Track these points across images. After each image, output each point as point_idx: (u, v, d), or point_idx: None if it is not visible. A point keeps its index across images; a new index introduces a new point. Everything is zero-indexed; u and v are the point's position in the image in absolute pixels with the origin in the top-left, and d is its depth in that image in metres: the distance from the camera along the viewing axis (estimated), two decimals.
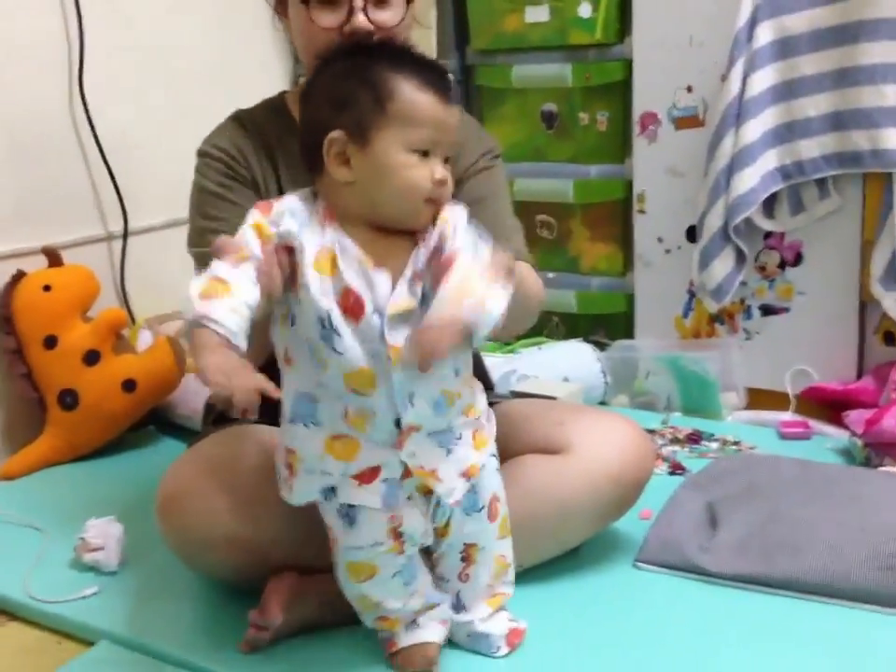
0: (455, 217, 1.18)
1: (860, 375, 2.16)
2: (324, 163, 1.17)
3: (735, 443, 2.00)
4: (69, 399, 2.05)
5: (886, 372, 2.05)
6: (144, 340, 2.23)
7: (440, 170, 1.16)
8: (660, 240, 2.39)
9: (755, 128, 2.09)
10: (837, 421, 2.03)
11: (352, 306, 1.12)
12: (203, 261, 1.41)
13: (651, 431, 2.02)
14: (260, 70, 2.60)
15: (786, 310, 2.24)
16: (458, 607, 1.32)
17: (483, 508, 1.27)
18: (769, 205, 2.17)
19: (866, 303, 2.15)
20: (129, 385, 2.06)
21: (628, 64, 2.39)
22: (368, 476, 1.18)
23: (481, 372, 1.69)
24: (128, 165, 2.30)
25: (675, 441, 2.02)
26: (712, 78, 2.22)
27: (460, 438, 1.22)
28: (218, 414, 1.60)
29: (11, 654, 1.42)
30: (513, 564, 1.34)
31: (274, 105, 1.54)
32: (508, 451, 1.46)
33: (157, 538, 1.43)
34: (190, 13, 2.45)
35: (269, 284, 1.10)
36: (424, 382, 1.15)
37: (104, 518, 1.63)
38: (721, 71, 2.16)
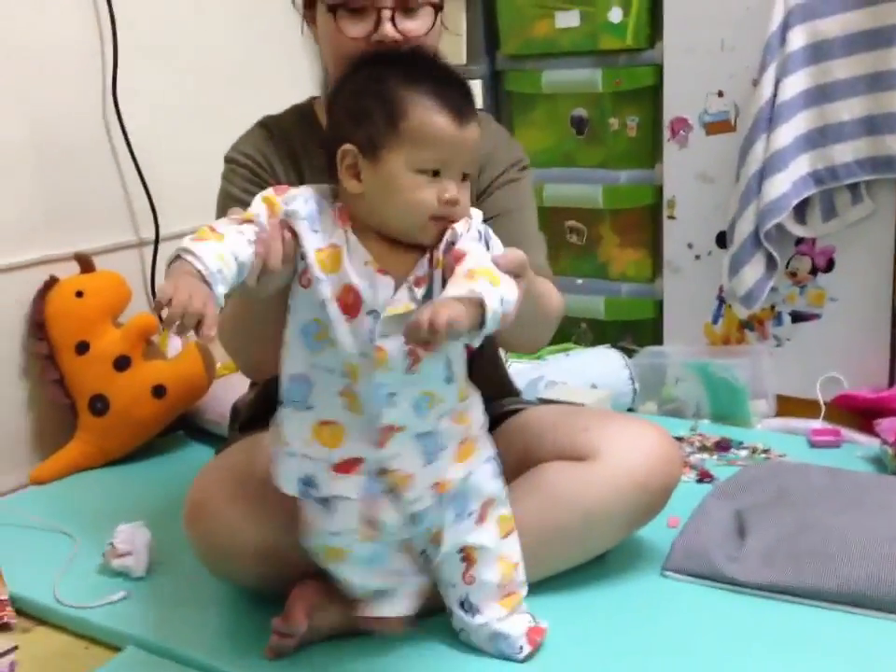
0: (466, 222, 1.18)
1: (892, 383, 2.14)
2: (335, 173, 1.19)
3: (765, 451, 1.98)
4: (100, 405, 2.06)
5: None
6: (173, 346, 2.25)
7: (451, 189, 1.16)
8: (690, 246, 2.37)
9: (787, 133, 2.08)
10: (868, 429, 2.00)
11: (350, 303, 1.14)
12: None
13: (680, 439, 2.01)
14: (292, 76, 2.61)
15: (817, 316, 2.22)
16: (471, 610, 1.32)
17: (472, 512, 1.28)
18: (801, 211, 2.15)
19: None
20: (159, 391, 2.08)
21: (659, 69, 2.38)
22: (348, 467, 1.20)
23: (502, 378, 1.70)
24: (160, 172, 2.32)
25: (703, 448, 2.01)
26: (743, 83, 2.21)
27: (444, 448, 1.22)
28: (245, 421, 1.61)
29: (39, 659, 1.43)
30: (521, 563, 1.33)
31: (302, 112, 1.55)
32: (533, 457, 1.46)
33: (185, 543, 1.44)
34: (223, 21, 2.47)
35: (267, 252, 1.11)
36: (405, 382, 1.17)
37: (132, 523, 1.64)
38: (753, 75, 2.14)
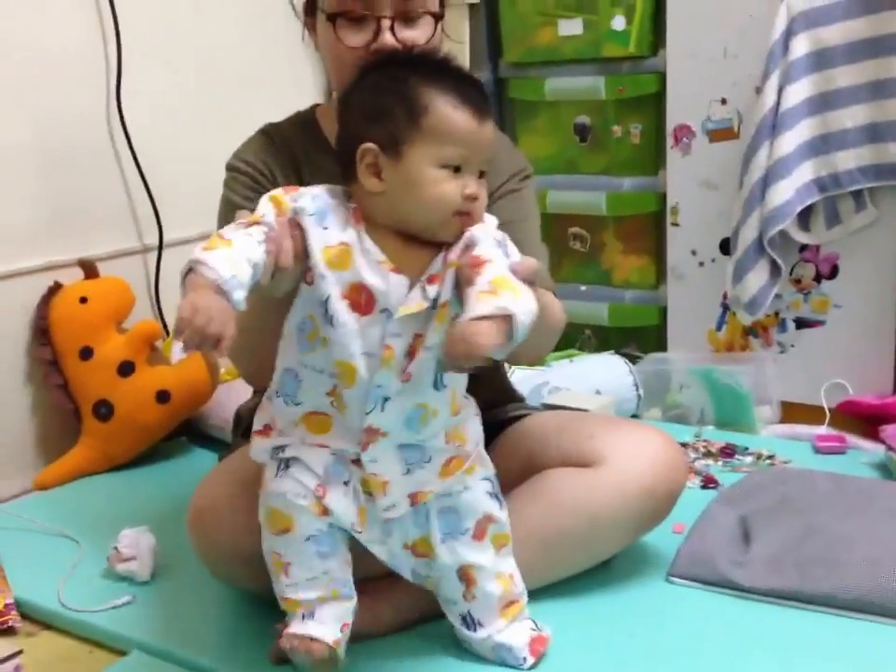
0: (484, 226, 1.18)
1: None
2: (356, 172, 1.18)
3: (770, 457, 1.98)
4: (104, 410, 2.07)
5: None
6: (177, 351, 2.25)
7: (472, 185, 1.17)
8: (693, 252, 2.38)
9: (790, 140, 2.08)
10: (873, 435, 2.00)
11: (362, 301, 1.14)
12: None
13: (684, 444, 2.01)
14: (296, 81, 2.62)
15: (821, 323, 2.22)
16: (473, 624, 1.31)
17: (467, 531, 1.27)
18: (804, 218, 2.16)
19: None
20: (162, 397, 2.08)
21: (662, 77, 2.39)
22: (323, 445, 1.21)
23: (504, 384, 1.70)
24: (163, 177, 2.32)
25: (708, 454, 2.01)
26: (747, 91, 2.22)
27: (429, 461, 1.22)
28: (248, 427, 1.60)
29: (43, 663, 1.42)
30: (516, 574, 1.33)
31: (304, 120, 1.55)
32: (538, 463, 1.46)
33: (189, 548, 1.43)
34: (227, 26, 2.48)
35: (277, 250, 1.11)
36: (401, 389, 1.17)
37: (137, 528, 1.64)
38: (756, 83, 2.15)
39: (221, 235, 1.11)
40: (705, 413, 2.21)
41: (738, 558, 1.52)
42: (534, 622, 1.34)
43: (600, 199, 2.52)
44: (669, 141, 2.37)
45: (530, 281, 1.12)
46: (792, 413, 2.21)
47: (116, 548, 1.60)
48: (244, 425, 1.61)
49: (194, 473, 1.53)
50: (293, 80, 2.61)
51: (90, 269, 2.14)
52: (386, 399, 1.17)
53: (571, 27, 2.50)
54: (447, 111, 1.15)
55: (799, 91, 2.08)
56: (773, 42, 2.08)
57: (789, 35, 2.07)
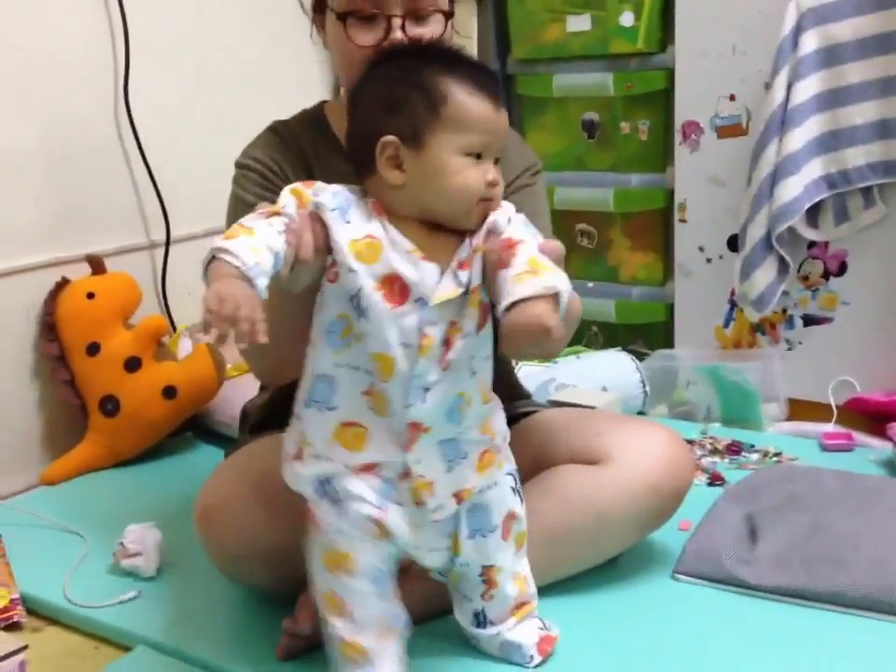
0: (504, 210, 1.18)
1: None
2: (374, 166, 1.17)
3: (777, 455, 1.97)
4: (110, 406, 2.07)
5: None
6: (184, 347, 2.25)
7: (492, 171, 1.17)
8: (701, 249, 2.37)
9: (799, 136, 2.07)
10: (881, 433, 2.00)
11: (395, 292, 1.12)
12: None
13: (691, 442, 2.00)
14: (303, 80, 2.62)
15: (829, 320, 2.21)
16: (484, 622, 1.31)
17: (496, 528, 1.26)
18: (813, 214, 2.15)
19: None
20: (169, 392, 2.08)
21: (670, 73, 2.38)
22: (367, 468, 1.17)
23: (512, 381, 1.69)
24: (170, 174, 2.32)
25: (714, 451, 2.00)
26: (755, 87, 2.21)
27: (465, 457, 1.20)
28: (255, 423, 1.61)
29: (49, 658, 1.43)
30: (530, 575, 1.32)
31: (313, 117, 1.54)
32: (545, 460, 1.46)
33: (195, 544, 1.43)
34: (234, 24, 2.48)
35: (298, 242, 1.10)
36: (440, 378, 1.15)
37: (143, 524, 1.64)
38: (765, 79, 2.14)
39: (242, 224, 1.10)
40: (711, 410, 2.21)
41: (745, 556, 1.52)
42: (542, 621, 1.35)
43: (608, 195, 2.51)
44: (677, 137, 2.36)
45: (557, 262, 1.12)
46: (800, 410, 2.21)
47: (122, 543, 1.60)
48: (250, 422, 1.62)
49: (200, 469, 1.54)
50: (299, 78, 2.61)
51: (97, 265, 2.14)
52: (427, 390, 1.15)
53: (579, 23, 2.49)
54: (465, 99, 1.15)
55: (808, 88, 2.07)
56: (782, 38, 2.07)
57: (798, 31, 2.06)
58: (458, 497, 1.21)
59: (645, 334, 2.59)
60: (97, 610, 1.50)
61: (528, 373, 2.11)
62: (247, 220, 1.11)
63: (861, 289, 2.17)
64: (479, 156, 1.16)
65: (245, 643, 1.41)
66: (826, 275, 2.21)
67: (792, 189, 2.08)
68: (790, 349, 2.28)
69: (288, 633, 1.34)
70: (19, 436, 2.07)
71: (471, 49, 2.62)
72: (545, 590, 1.39)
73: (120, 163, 2.27)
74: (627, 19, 2.41)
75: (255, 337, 1.02)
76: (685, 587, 1.50)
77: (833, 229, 2.15)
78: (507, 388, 1.64)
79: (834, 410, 2.14)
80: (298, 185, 1.17)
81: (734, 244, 2.28)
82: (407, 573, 1.30)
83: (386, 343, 1.13)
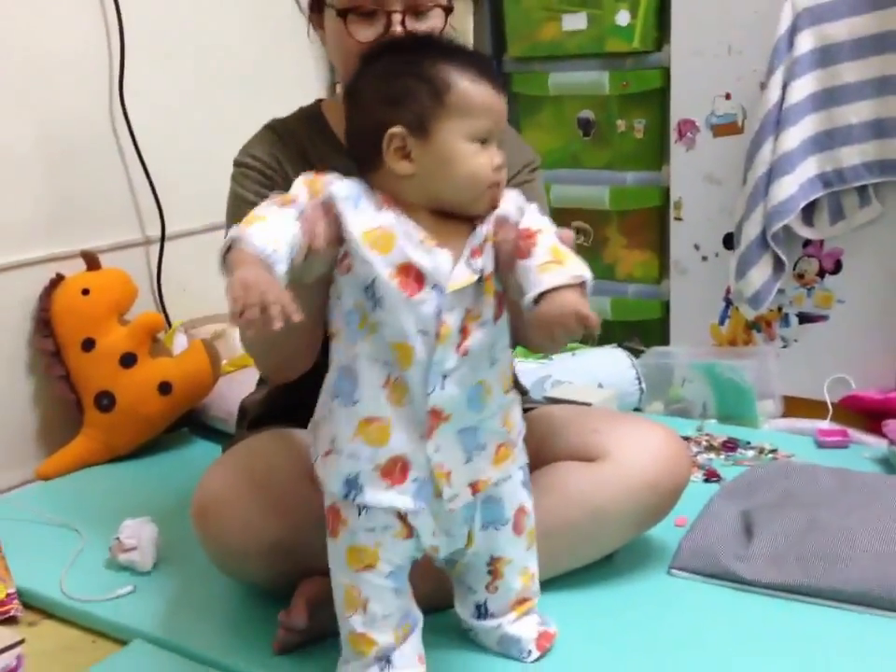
0: (516, 198, 1.19)
1: None
2: (379, 159, 1.16)
3: (772, 451, 1.97)
4: (106, 401, 2.06)
5: None
6: (179, 343, 2.25)
7: (497, 156, 1.17)
8: (696, 247, 2.37)
9: (795, 135, 2.08)
10: (876, 430, 2.00)
11: (411, 280, 1.12)
12: None
13: (687, 438, 2.00)
14: (298, 77, 2.62)
15: (824, 318, 2.22)
16: (485, 615, 1.31)
17: (508, 521, 1.26)
18: (808, 213, 2.15)
19: None
20: (164, 388, 2.08)
21: (666, 72, 2.38)
22: (397, 475, 1.16)
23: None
24: (166, 171, 2.32)
25: (710, 448, 2.01)
26: (751, 86, 2.21)
27: (483, 449, 1.20)
28: (253, 418, 1.60)
29: (46, 652, 1.43)
30: (537, 573, 1.33)
31: (310, 114, 1.54)
32: (542, 457, 1.46)
33: (191, 538, 1.43)
34: (230, 21, 2.48)
35: (311, 232, 1.10)
36: (459, 364, 1.14)
37: (139, 519, 1.64)
38: (760, 78, 2.15)
39: (256, 214, 1.10)
40: (707, 408, 2.21)
41: (740, 552, 1.52)
42: (541, 616, 1.35)
43: (603, 193, 2.52)
44: (673, 136, 2.36)
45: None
46: (795, 407, 2.21)
47: (118, 538, 1.60)
48: (248, 417, 1.61)
49: (196, 465, 1.54)
50: (296, 76, 2.61)
51: (92, 261, 2.14)
52: (445, 377, 1.14)
53: (575, 22, 2.50)
54: (468, 85, 1.15)
55: (804, 87, 2.07)
56: (778, 38, 2.08)
57: (794, 30, 2.07)
58: (474, 487, 1.20)
59: (641, 331, 2.59)
60: (93, 605, 1.50)
61: (524, 370, 2.11)
62: (261, 209, 1.11)
63: (857, 287, 2.17)
64: (483, 142, 1.16)
65: (241, 637, 1.40)
66: (821, 273, 2.21)
67: (788, 187, 2.08)
68: (785, 347, 2.29)
69: (283, 626, 1.34)
70: (14, 431, 2.07)
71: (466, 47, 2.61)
72: (542, 585, 1.38)
73: (116, 160, 2.27)
74: (623, 17, 2.41)
75: (289, 317, 1.01)
76: (681, 583, 1.50)
77: (828, 227, 2.16)
78: None
79: (830, 407, 2.14)
80: (310, 175, 1.17)
81: (729, 242, 2.29)
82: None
83: (404, 332, 1.13)
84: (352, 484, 1.17)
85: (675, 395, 2.27)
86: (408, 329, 1.12)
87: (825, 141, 2.09)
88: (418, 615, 1.25)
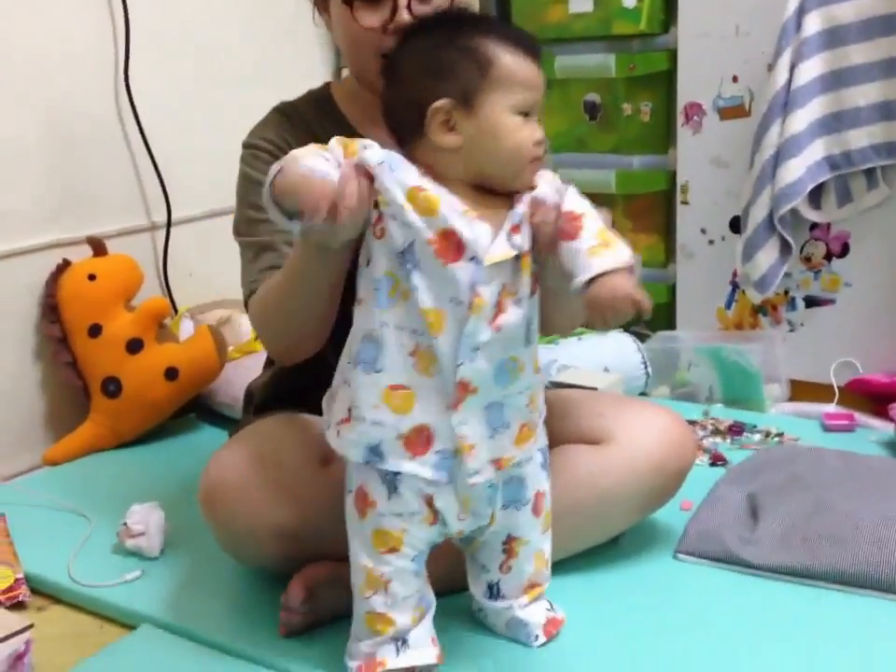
0: (552, 180, 1.19)
1: None
2: (421, 133, 1.15)
3: (778, 435, 1.97)
4: (112, 387, 2.07)
5: None
6: (186, 329, 2.25)
7: (538, 131, 1.17)
8: (703, 231, 2.37)
9: (802, 118, 2.07)
10: (882, 413, 2.00)
11: (450, 248, 1.11)
12: (250, 250, 1.42)
13: (693, 422, 2.00)
14: (303, 61, 2.61)
15: (831, 301, 2.22)
16: (496, 595, 1.32)
17: (528, 501, 1.26)
18: (815, 196, 2.15)
19: None
20: (171, 374, 2.08)
21: (673, 55, 2.37)
22: (419, 445, 1.16)
23: None
24: (172, 156, 2.32)
25: (716, 432, 2.00)
26: (758, 68, 2.20)
27: (508, 427, 1.20)
28: (259, 403, 1.61)
29: (54, 637, 1.43)
30: (550, 559, 1.33)
31: (319, 97, 1.54)
32: (553, 440, 1.46)
33: (199, 523, 1.43)
34: (235, 7, 2.47)
35: (342, 190, 1.10)
36: (491, 341, 1.14)
37: (146, 504, 1.65)
38: (768, 61, 2.14)
39: (297, 152, 1.13)
40: (713, 391, 2.21)
41: (746, 535, 1.52)
42: (550, 603, 1.35)
43: (610, 177, 2.51)
44: (680, 119, 2.35)
45: None
46: (801, 391, 2.21)
47: (125, 524, 1.61)
48: (255, 401, 1.62)
49: (203, 450, 1.54)
50: (301, 60, 2.60)
51: (98, 246, 2.14)
52: (476, 350, 1.14)
53: (582, 4, 2.49)
54: (511, 58, 1.15)
55: (811, 69, 2.06)
56: (785, 19, 2.07)
57: (801, 11, 2.06)
58: (497, 464, 1.20)
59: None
60: (101, 590, 1.51)
61: None
62: (301, 151, 1.13)
63: (864, 271, 2.17)
64: (525, 115, 1.16)
65: (248, 622, 1.41)
66: (828, 257, 2.21)
67: (795, 170, 2.08)
68: (791, 330, 2.28)
69: (282, 606, 1.35)
70: (22, 417, 2.08)
71: None
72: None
73: (121, 146, 2.27)
74: (630, 0, 2.40)
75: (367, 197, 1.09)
76: (687, 566, 1.51)
77: (835, 210, 2.15)
78: None
79: (836, 391, 2.14)
80: (344, 139, 1.17)
81: (736, 225, 2.28)
82: None
83: (438, 298, 1.12)
84: (374, 451, 1.17)
85: (681, 379, 2.27)
86: (442, 295, 1.12)
87: (833, 123, 2.08)
88: (432, 598, 1.26)
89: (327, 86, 1.57)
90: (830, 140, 2.09)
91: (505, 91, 1.14)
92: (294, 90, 1.56)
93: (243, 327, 2.35)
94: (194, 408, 2.22)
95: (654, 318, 2.53)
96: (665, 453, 1.45)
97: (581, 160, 2.56)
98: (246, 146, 1.49)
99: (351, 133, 1.45)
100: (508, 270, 1.14)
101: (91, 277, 2.09)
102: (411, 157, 1.17)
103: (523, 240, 1.15)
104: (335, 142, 1.16)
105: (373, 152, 1.14)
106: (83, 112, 2.18)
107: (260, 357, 1.78)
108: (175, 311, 2.34)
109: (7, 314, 2.05)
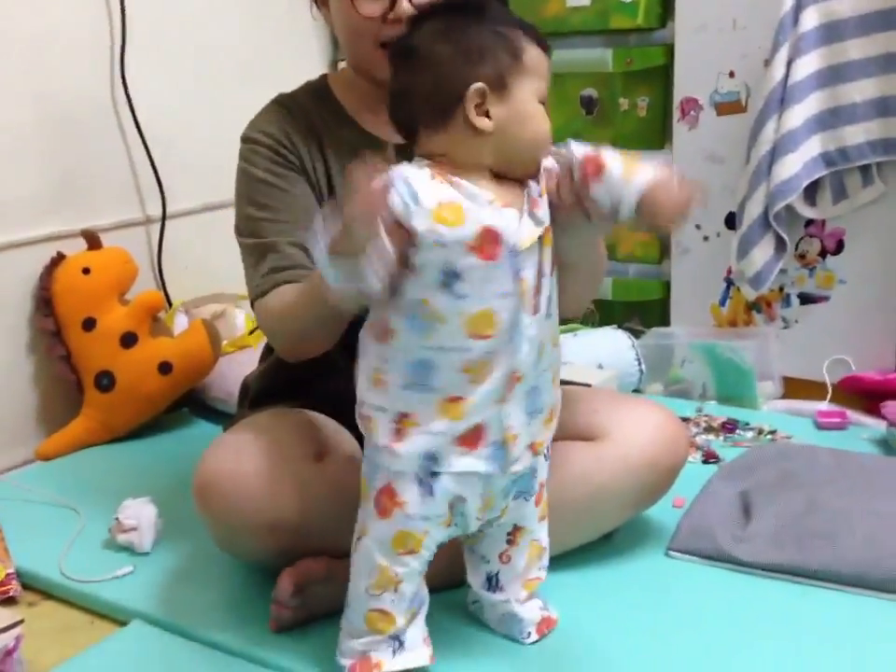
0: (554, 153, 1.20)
1: None
2: (446, 118, 1.14)
3: (771, 432, 1.97)
4: (106, 381, 2.07)
5: None
6: (180, 323, 2.25)
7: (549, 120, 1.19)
8: (698, 227, 2.36)
9: (799, 113, 2.06)
10: (875, 411, 2.00)
11: (488, 245, 1.11)
12: (254, 252, 1.41)
13: (686, 419, 2.01)
14: (299, 53, 2.61)
15: (826, 299, 2.21)
16: (496, 587, 1.31)
17: (535, 492, 1.27)
18: (811, 192, 2.14)
19: None
20: (165, 368, 2.08)
21: (670, 49, 2.36)
22: (473, 440, 1.15)
23: None
24: (167, 150, 2.32)
25: (709, 429, 2.00)
26: (755, 63, 2.20)
27: (541, 411, 1.21)
28: (255, 394, 1.61)
29: (45, 633, 1.43)
30: (548, 549, 1.33)
31: (318, 89, 1.53)
32: None
33: (191, 519, 1.43)
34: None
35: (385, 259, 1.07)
36: (533, 324, 1.15)
37: (138, 499, 1.65)
38: (765, 56, 2.13)
39: None
40: (707, 388, 2.21)
41: (738, 533, 1.52)
42: (544, 602, 1.35)
43: None
44: (676, 114, 2.35)
45: None
46: (794, 388, 2.21)
47: (117, 518, 1.61)
48: (251, 393, 1.62)
49: (196, 445, 1.53)
50: (297, 51, 2.60)
51: (92, 240, 2.14)
52: (526, 337, 1.15)
53: None
54: (536, 48, 1.17)
55: (808, 64, 2.06)
56: (783, 14, 2.06)
57: (799, 6, 2.05)
58: (532, 448, 1.21)
59: (641, 312, 2.59)
60: (93, 585, 1.51)
61: None
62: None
63: (858, 268, 2.16)
64: (543, 104, 1.17)
65: (240, 618, 1.41)
66: (823, 254, 2.20)
67: (791, 166, 2.07)
68: (786, 327, 2.28)
69: (274, 601, 1.35)
70: (14, 411, 2.07)
71: None
72: None
73: (117, 139, 2.27)
74: None
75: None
76: (679, 564, 1.51)
77: (830, 207, 2.15)
78: None
79: (829, 388, 2.14)
80: None
81: (731, 221, 2.27)
82: None
83: (485, 299, 1.12)
84: (429, 457, 1.16)
85: (675, 376, 2.27)
86: (489, 295, 1.12)
87: (829, 119, 2.08)
88: (426, 595, 1.26)
89: (324, 77, 1.56)
90: (826, 136, 2.09)
91: (532, 79, 1.16)
92: (291, 81, 1.55)
93: (237, 321, 2.35)
94: (188, 402, 2.22)
95: (648, 315, 2.55)
96: (658, 449, 1.45)
97: None
98: (246, 140, 1.48)
99: (349, 121, 1.46)
100: (536, 248, 1.15)
101: (86, 271, 2.08)
102: (422, 145, 1.16)
103: (543, 214, 1.15)
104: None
105: (394, 200, 1.09)
106: (78, 105, 2.17)
107: (255, 352, 1.78)
108: (170, 304, 2.34)
109: (1, 307, 2.05)
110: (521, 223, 1.13)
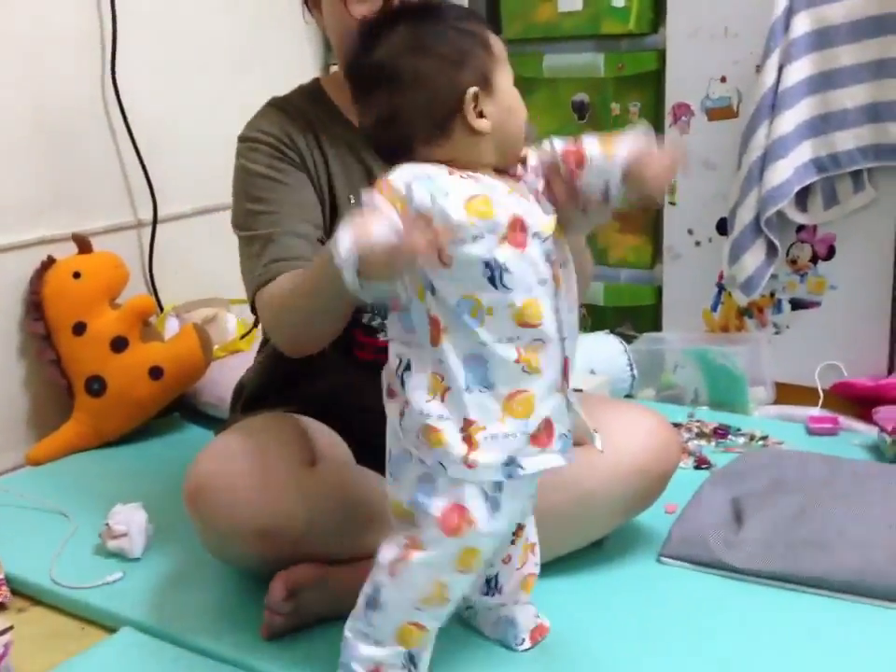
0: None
1: (891, 371, 2.14)
2: (451, 127, 1.13)
3: (763, 438, 1.98)
4: (96, 386, 2.06)
5: None
6: (171, 327, 2.25)
7: None
8: (690, 232, 2.37)
9: (790, 119, 2.07)
10: (866, 417, 2.01)
11: (518, 234, 1.11)
12: (253, 243, 1.41)
13: (678, 425, 2.01)
14: (291, 57, 2.61)
15: (817, 304, 2.22)
16: (494, 588, 1.31)
17: (536, 490, 1.26)
18: (802, 198, 2.15)
19: None
20: (155, 373, 2.07)
21: (661, 55, 2.37)
22: (545, 437, 1.14)
23: None
24: (158, 153, 2.31)
25: (701, 435, 2.01)
26: (747, 69, 2.20)
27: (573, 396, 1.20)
28: (248, 399, 1.60)
29: (34, 639, 1.43)
30: (537, 543, 1.33)
31: (311, 91, 1.54)
32: None
33: (182, 525, 1.43)
34: (222, 3, 2.46)
35: (409, 243, 1.03)
36: (564, 306, 1.15)
37: (129, 505, 1.64)
38: (756, 61, 2.14)
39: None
40: (698, 394, 2.21)
41: (730, 539, 1.52)
42: (536, 611, 1.35)
43: None
44: (668, 120, 2.35)
45: None
46: (786, 394, 2.21)
47: (108, 524, 1.60)
48: (245, 394, 1.61)
49: (187, 450, 1.53)
50: (290, 55, 2.60)
51: (83, 244, 2.13)
52: (571, 318, 1.16)
53: (571, 3, 2.48)
54: (490, 33, 1.18)
55: (799, 70, 2.06)
56: (774, 20, 2.07)
57: (790, 12, 2.06)
58: (564, 434, 1.19)
59: (633, 317, 2.59)
60: (83, 591, 1.50)
61: None
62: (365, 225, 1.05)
63: (850, 274, 2.17)
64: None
65: (231, 625, 1.40)
66: (814, 259, 2.21)
67: (782, 172, 2.08)
68: (777, 333, 2.28)
69: (267, 608, 1.35)
70: (4, 415, 2.07)
71: None
72: None
73: (108, 143, 2.26)
74: None
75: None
76: (670, 570, 1.51)
77: (821, 212, 2.15)
78: None
79: (821, 394, 2.14)
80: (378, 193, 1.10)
81: (723, 227, 2.28)
82: None
83: (528, 288, 1.11)
84: (511, 462, 1.13)
85: (667, 381, 2.27)
86: (530, 283, 1.11)
87: (820, 125, 2.09)
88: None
89: (316, 80, 1.57)
90: (817, 142, 2.09)
91: (502, 66, 1.17)
92: (283, 85, 1.55)
93: (228, 325, 2.34)
94: (179, 407, 2.21)
95: (640, 320, 2.55)
96: (649, 455, 1.45)
97: None
98: (244, 139, 1.48)
99: (343, 120, 1.47)
100: (551, 237, 1.15)
101: (76, 275, 2.08)
102: (436, 156, 1.14)
103: (547, 205, 1.16)
104: (380, 201, 1.08)
105: (419, 197, 1.08)
106: (69, 109, 2.17)
107: (246, 356, 1.78)
108: (161, 309, 2.33)
109: None
110: (539, 211, 1.14)
